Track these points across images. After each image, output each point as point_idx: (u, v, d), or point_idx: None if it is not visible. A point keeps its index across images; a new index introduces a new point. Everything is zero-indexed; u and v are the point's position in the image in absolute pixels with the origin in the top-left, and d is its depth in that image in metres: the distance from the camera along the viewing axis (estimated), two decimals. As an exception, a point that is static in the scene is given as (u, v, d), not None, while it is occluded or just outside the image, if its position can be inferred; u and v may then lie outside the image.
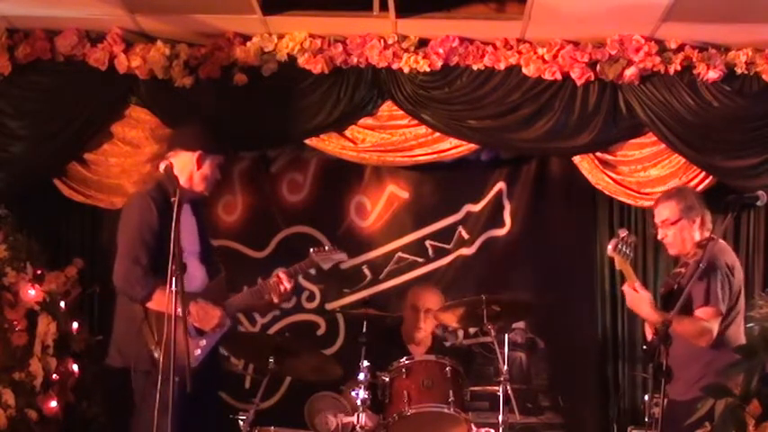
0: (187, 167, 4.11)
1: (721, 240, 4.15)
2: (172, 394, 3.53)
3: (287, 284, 4.22)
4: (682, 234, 4.29)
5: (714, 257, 4.01)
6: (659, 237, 4.39)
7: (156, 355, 3.85)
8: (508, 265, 5.96)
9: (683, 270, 4.20)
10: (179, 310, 3.69)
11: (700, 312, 4.06)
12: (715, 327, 4.04)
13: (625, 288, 4.18)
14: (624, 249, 4.03)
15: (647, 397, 4.62)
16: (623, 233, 4.08)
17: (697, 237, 4.28)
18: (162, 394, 3.69)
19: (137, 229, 3.97)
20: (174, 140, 4.34)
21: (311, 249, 4.43)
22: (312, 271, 4.61)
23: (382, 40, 5.49)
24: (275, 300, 4.25)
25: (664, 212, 4.33)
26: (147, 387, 3.90)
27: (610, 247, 4.08)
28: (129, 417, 4.04)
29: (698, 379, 3.98)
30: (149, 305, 3.92)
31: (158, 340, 3.85)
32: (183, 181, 4.02)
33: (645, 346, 4.12)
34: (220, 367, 4.53)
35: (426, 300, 5.33)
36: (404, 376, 4.65)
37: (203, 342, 3.97)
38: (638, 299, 4.12)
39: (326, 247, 4.52)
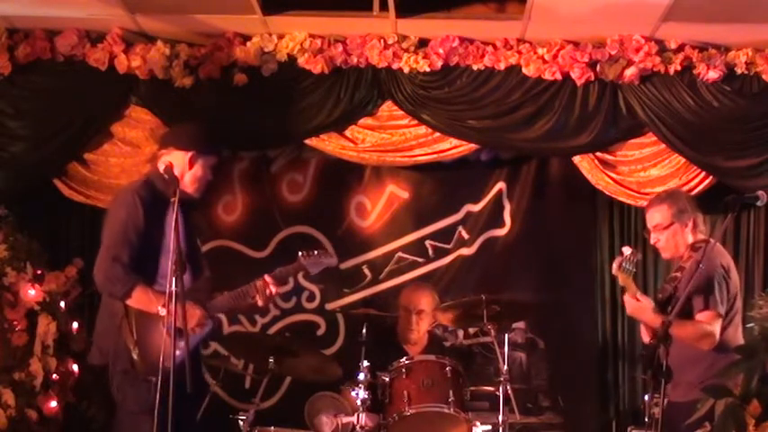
0: (179, 167, 4.05)
1: (713, 241, 4.13)
2: (156, 396, 3.53)
3: (273, 288, 4.18)
4: (675, 238, 4.28)
5: (709, 260, 4.01)
6: (652, 241, 4.38)
7: (134, 355, 3.84)
8: (508, 265, 5.97)
9: (678, 274, 4.20)
10: (162, 309, 3.70)
11: (700, 317, 4.06)
12: (717, 329, 4.04)
13: (626, 298, 4.18)
14: (628, 267, 4.02)
15: (646, 397, 4.62)
16: (627, 251, 4.05)
17: (690, 239, 4.28)
18: (142, 395, 3.70)
19: (121, 226, 3.94)
20: (167, 139, 4.28)
21: (300, 253, 4.38)
22: (311, 271, 4.60)
23: (382, 40, 5.49)
24: (260, 303, 4.19)
25: (655, 217, 4.32)
26: (125, 387, 3.90)
27: (615, 265, 4.06)
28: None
29: (699, 382, 3.97)
30: (129, 303, 3.88)
31: (137, 340, 3.84)
32: None
33: (643, 351, 4.12)
34: (201, 368, 4.49)
35: (418, 300, 5.32)
36: (404, 376, 4.65)
37: (182, 343, 3.86)
38: (640, 307, 4.12)
39: (316, 252, 4.44)
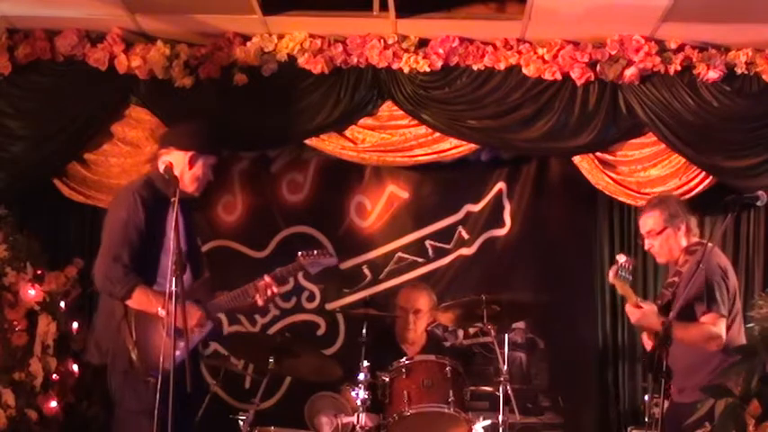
0: (179, 167, 4.03)
1: (710, 244, 4.14)
2: (156, 396, 3.53)
3: (274, 289, 4.17)
4: (668, 243, 4.29)
5: (707, 262, 4.00)
6: (646, 247, 4.39)
7: (133, 355, 3.84)
8: (508, 265, 5.97)
9: (676, 279, 4.20)
10: (162, 311, 3.70)
11: (704, 319, 4.05)
12: (722, 330, 4.03)
13: (627, 308, 4.16)
14: (624, 275, 4.03)
15: (647, 397, 4.62)
16: (622, 259, 4.04)
17: (684, 243, 4.28)
18: (141, 395, 3.69)
19: (121, 226, 3.93)
20: (167, 139, 4.26)
21: (299, 253, 4.36)
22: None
23: (382, 40, 5.49)
24: (260, 303, 4.18)
25: (648, 223, 4.33)
26: (124, 387, 3.89)
27: (611, 274, 4.05)
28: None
29: (705, 384, 3.97)
30: (129, 303, 3.87)
31: (136, 340, 3.84)
32: None
33: (644, 358, 4.11)
34: (200, 369, 4.48)
35: (415, 300, 5.33)
36: (404, 376, 4.65)
37: (182, 343, 3.82)
38: (643, 314, 4.10)
39: (315, 252, 4.41)
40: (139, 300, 3.87)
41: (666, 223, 4.28)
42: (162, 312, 3.77)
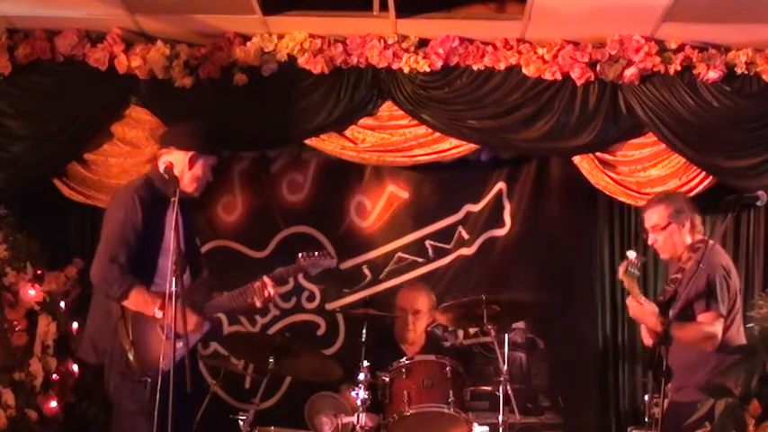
0: (179, 167, 4.02)
1: (711, 242, 4.14)
2: (152, 396, 3.53)
3: (271, 290, 4.17)
4: (672, 238, 4.30)
5: (709, 261, 4.01)
6: (650, 242, 4.40)
7: (129, 356, 3.83)
8: (508, 265, 5.97)
9: (679, 276, 4.21)
10: (159, 312, 3.70)
11: (702, 318, 4.07)
12: (719, 330, 4.05)
13: (629, 301, 4.19)
14: (633, 271, 4.05)
15: (647, 397, 4.63)
16: (632, 256, 4.06)
17: (688, 240, 4.30)
18: (139, 396, 3.69)
19: (119, 226, 3.92)
20: (167, 138, 4.25)
21: (299, 254, 4.36)
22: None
23: (382, 40, 5.49)
24: (258, 304, 4.18)
25: (653, 218, 4.35)
26: (122, 388, 3.89)
27: (620, 270, 4.09)
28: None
29: (706, 382, 3.98)
30: (126, 304, 3.86)
31: (133, 341, 3.83)
32: None
33: (644, 353, 4.13)
34: (197, 369, 4.46)
35: (414, 301, 5.33)
36: (404, 376, 4.65)
37: (180, 344, 3.79)
38: (642, 311, 4.13)
39: (316, 253, 4.41)
40: (136, 300, 3.86)
41: (671, 219, 4.29)
42: (159, 314, 3.76)
